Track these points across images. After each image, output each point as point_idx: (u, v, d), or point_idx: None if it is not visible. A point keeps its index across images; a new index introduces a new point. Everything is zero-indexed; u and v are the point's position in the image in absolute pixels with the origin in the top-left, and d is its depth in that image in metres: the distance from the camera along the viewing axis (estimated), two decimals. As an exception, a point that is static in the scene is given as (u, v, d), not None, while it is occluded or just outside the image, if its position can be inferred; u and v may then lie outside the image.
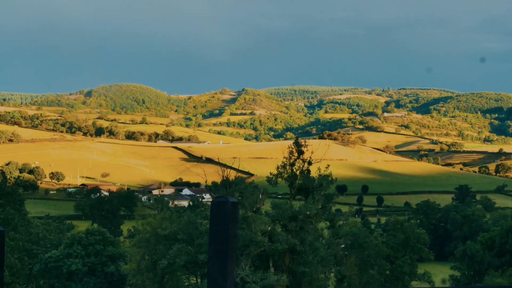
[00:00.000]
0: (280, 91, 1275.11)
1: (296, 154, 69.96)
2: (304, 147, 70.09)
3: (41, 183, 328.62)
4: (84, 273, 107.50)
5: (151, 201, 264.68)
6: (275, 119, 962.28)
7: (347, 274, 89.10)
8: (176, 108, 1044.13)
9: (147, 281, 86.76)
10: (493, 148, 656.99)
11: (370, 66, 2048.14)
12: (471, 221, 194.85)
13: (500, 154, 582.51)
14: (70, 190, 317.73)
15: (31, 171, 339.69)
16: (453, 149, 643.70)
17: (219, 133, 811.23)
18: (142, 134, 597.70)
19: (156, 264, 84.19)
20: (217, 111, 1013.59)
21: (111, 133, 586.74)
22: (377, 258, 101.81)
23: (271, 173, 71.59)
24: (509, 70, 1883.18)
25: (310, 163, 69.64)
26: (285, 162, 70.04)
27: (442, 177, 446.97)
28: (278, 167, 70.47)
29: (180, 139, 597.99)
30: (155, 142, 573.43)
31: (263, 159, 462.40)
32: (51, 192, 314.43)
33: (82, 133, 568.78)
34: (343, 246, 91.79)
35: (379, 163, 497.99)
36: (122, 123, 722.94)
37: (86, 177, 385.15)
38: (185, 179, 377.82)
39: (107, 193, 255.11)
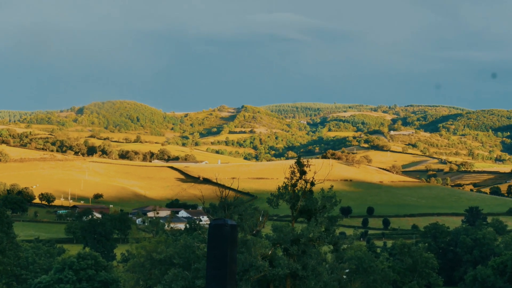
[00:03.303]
0: (281, 108, 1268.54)
1: (298, 174, 67.12)
2: (306, 167, 67.36)
3: (30, 204, 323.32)
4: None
5: (146, 224, 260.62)
6: (276, 138, 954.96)
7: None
8: (172, 126, 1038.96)
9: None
10: (505, 168, 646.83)
11: (375, 82, 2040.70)
12: (481, 245, 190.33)
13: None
14: (60, 212, 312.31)
15: (19, 192, 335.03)
16: (463, 169, 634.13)
17: (217, 152, 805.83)
18: (136, 153, 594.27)
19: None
20: (215, 129, 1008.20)
21: (104, 152, 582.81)
22: (383, 284, 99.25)
23: (271, 194, 68.87)
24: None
25: (312, 184, 66.82)
26: (287, 183, 67.30)
27: (452, 198, 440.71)
28: (279, 188, 67.77)
29: (176, 159, 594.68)
30: (150, 161, 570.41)
31: (264, 179, 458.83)
32: (40, 214, 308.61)
33: (73, 152, 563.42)
34: (347, 270, 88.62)
35: (385, 184, 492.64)
36: (115, 141, 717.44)
37: (78, 198, 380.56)
38: (181, 201, 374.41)
39: (99, 215, 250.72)
